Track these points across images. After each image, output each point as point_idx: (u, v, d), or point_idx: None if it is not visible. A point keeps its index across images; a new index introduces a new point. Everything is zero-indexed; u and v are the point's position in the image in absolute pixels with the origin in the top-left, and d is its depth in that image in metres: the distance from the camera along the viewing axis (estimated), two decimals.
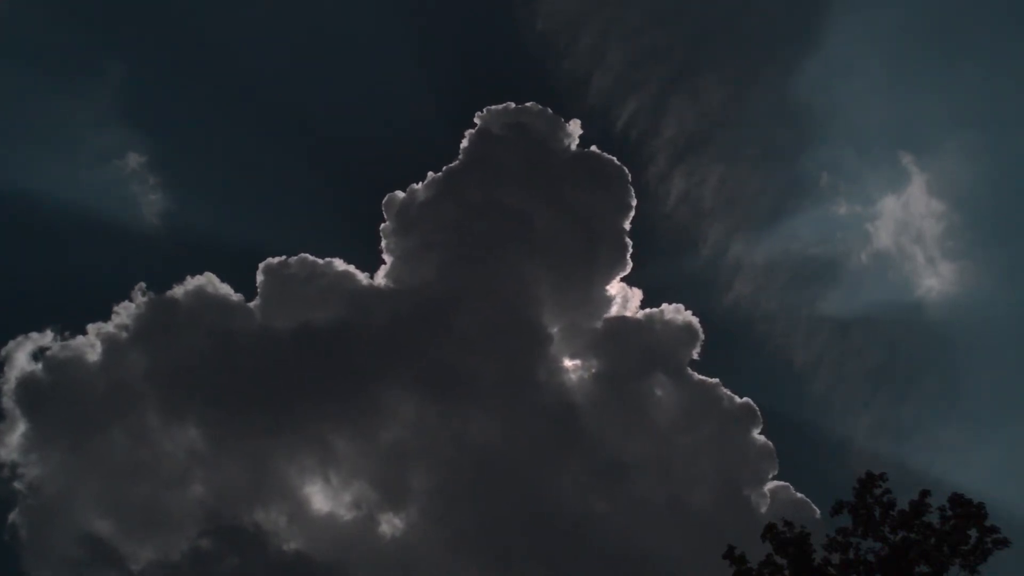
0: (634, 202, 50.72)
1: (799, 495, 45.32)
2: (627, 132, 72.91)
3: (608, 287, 50.49)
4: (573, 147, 52.70)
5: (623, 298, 51.06)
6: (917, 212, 73.41)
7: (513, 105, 53.38)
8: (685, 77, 78.54)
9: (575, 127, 52.80)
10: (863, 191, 76.93)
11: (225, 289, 49.30)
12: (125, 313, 48.29)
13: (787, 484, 45.83)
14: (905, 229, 73.24)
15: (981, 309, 72.03)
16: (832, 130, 76.90)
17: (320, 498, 46.14)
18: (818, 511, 43.52)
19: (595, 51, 75.15)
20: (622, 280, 51.18)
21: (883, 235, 73.51)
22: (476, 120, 52.93)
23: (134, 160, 73.30)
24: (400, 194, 51.86)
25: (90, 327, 47.91)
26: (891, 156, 76.86)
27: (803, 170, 75.76)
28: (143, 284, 48.93)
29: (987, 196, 74.07)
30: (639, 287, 51.90)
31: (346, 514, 45.78)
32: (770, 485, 45.79)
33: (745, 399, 47.67)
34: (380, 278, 50.57)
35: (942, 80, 77.78)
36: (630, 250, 50.23)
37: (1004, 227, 74.91)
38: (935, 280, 72.30)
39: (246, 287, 49.80)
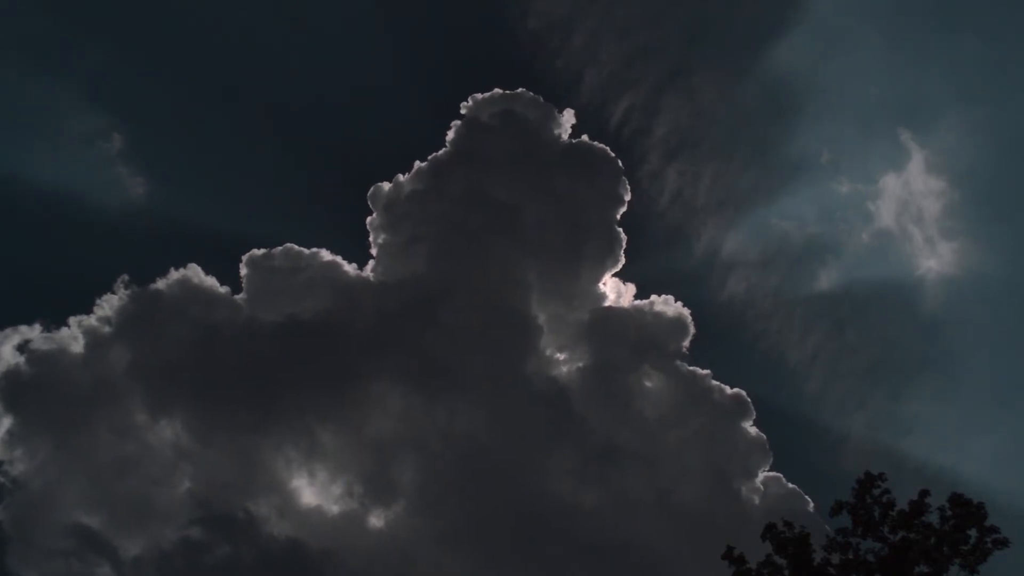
0: (627, 194, 50.38)
1: (791, 486, 45.45)
2: (620, 130, 72.41)
3: (601, 283, 50.34)
4: (565, 137, 52.15)
5: (616, 294, 50.93)
6: (917, 190, 73.08)
7: (500, 91, 52.92)
8: (678, 75, 78.20)
9: (568, 116, 52.35)
10: (862, 170, 76.78)
11: (210, 281, 48.83)
12: (108, 305, 47.71)
13: (779, 475, 45.95)
14: (905, 208, 72.94)
15: (981, 290, 71.99)
16: (828, 110, 76.95)
17: (308, 491, 45.88)
18: (811, 502, 43.85)
19: (587, 49, 74.72)
20: (615, 276, 51.05)
21: (884, 214, 73.27)
22: (462, 110, 52.39)
23: (115, 149, 72.36)
24: (386, 185, 51.39)
25: (72, 320, 47.36)
26: (890, 133, 76.35)
27: (800, 153, 75.41)
28: (126, 276, 48.35)
29: (988, 173, 73.46)
30: (633, 284, 51.86)
31: (334, 507, 45.59)
32: (762, 476, 45.85)
33: (736, 390, 47.64)
34: (368, 270, 50.26)
35: (941, 54, 77.30)
36: (623, 243, 49.99)
37: (1005, 205, 74.56)
38: (934, 261, 72.19)
39: (232, 278, 49.37)
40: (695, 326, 49.54)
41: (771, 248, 72.77)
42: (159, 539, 42.61)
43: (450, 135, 51.58)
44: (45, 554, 42.36)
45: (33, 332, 46.65)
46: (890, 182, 74.28)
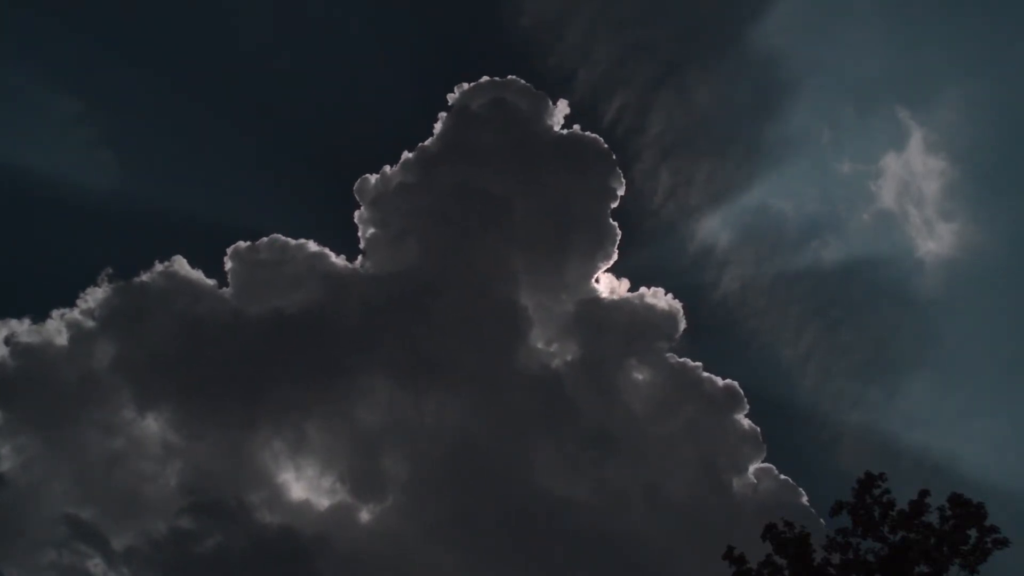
0: (621, 188, 49.91)
1: (783, 477, 45.55)
2: (614, 128, 71.79)
3: (594, 278, 50.12)
4: (557, 128, 51.54)
5: (610, 290, 50.71)
6: (917, 170, 72.72)
7: (489, 79, 52.19)
8: (672, 71, 77.79)
9: (562, 107, 51.72)
10: (861, 150, 76.59)
11: (196, 274, 48.38)
12: (92, 299, 47.12)
13: (771, 466, 46.05)
14: (906, 189, 72.66)
15: (980, 272, 71.98)
16: (826, 90, 76.50)
17: (296, 485, 45.73)
18: (804, 494, 43.96)
19: (581, 47, 74.15)
20: (609, 272, 50.77)
21: (884, 195, 73.01)
22: (450, 101, 51.72)
23: (100, 140, 71.33)
24: (373, 177, 50.84)
25: (55, 313, 46.76)
26: (889, 112, 75.94)
27: (798, 134, 75.18)
28: (110, 269, 47.75)
29: (988, 151, 72.99)
30: (627, 280, 51.64)
31: (323, 500, 45.48)
32: (755, 468, 45.93)
33: (728, 381, 47.64)
34: (355, 262, 49.93)
35: (939, 29, 76.70)
36: (617, 236, 49.49)
37: (1005, 183, 74.10)
38: (934, 243, 72.09)
39: (219, 271, 48.90)
40: (691, 321, 49.76)
41: (770, 234, 72.86)
42: (149, 532, 42.57)
43: (438, 125, 51.15)
44: (35, 548, 42.08)
45: (22, 326, 46.19)
46: (890, 162, 74.07)
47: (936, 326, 70.61)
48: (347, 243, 51.58)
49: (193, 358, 45.87)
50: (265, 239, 49.17)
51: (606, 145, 50.95)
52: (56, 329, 46.25)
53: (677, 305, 49.30)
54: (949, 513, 23.37)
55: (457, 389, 46.09)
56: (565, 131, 51.58)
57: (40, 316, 46.48)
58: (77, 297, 47.14)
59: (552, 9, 74.07)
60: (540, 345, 48.45)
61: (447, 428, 45.41)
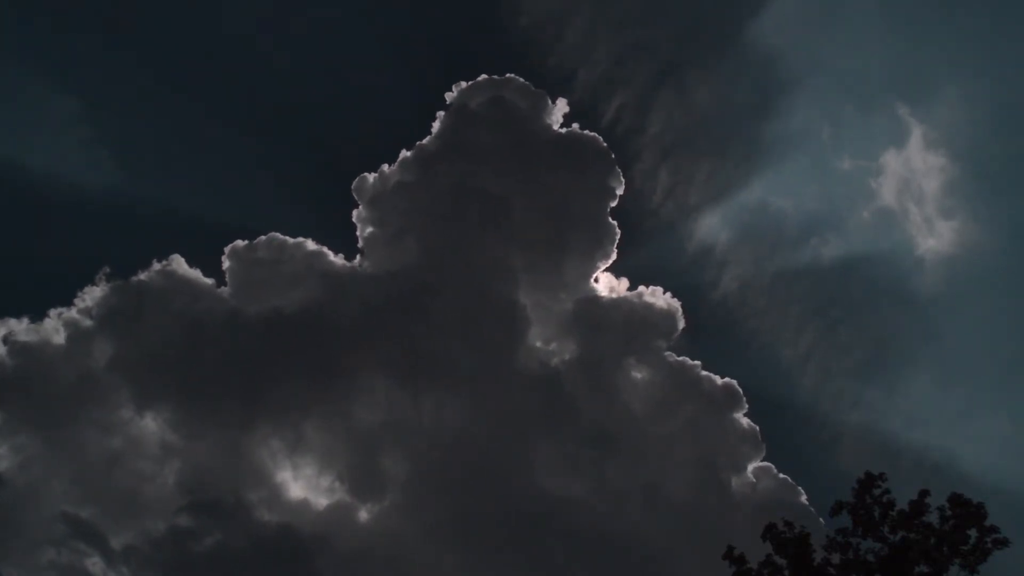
0: (620, 187, 49.81)
1: (782, 476, 45.57)
2: (613, 128, 71.56)
3: (594, 278, 50.10)
4: (556, 126, 51.44)
5: (609, 289, 50.69)
6: (917, 168, 72.66)
7: (487, 77, 52.15)
8: (671, 71, 77.71)
9: (560, 105, 51.61)
10: (862, 148, 76.49)
11: (194, 273, 48.32)
12: (89, 298, 47.10)
13: (770, 465, 46.05)
14: (906, 186, 72.56)
15: (981, 270, 71.91)
16: (825, 87, 76.42)
17: (295, 485, 45.70)
18: (803, 493, 43.98)
19: (581, 47, 74.04)
20: (608, 271, 50.75)
21: (885, 193, 72.93)
22: (447, 99, 51.63)
23: (98, 139, 71.19)
24: (371, 176, 50.78)
25: (52, 312, 46.70)
26: (889, 109, 75.86)
27: (798, 132, 75.15)
28: (107, 268, 47.72)
29: (987, 147, 72.74)
30: (627, 279, 51.57)
31: (322, 500, 45.45)
32: (754, 467, 45.94)
33: (727, 380, 47.61)
34: (355, 261, 49.90)
35: (938, 25, 76.61)
36: (616, 234, 49.46)
37: (1005, 180, 74.00)
38: (934, 240, 72.04)
39: (217, 270, 48.83)
40: (690, 320, 49.69)
41: (770, 232, 72.80)
42: (147, 531, 42.69)
43: (437, 124, 51.06)
44: (33, 547, 42.06)
45: (20, 325, 46.18)
46: (891, 159, 74.01)
47: (936, 324, 70.63)
48: (345, 242, 51.53)
49: (191, 357, 45.85)
50: (263, 238, 49.23)
51: (605, 144, 51.00)
52: (54, 328, 46.31)
53: (676, 304, 49.40)
54: (949, 513, 23.42)
55: (456, 388, 46.09)
56: (564, 130, 51.65)
57: (38, 315, 46.57)
58: (75, 296, 47.24)
59: (551, 8, 74.07)
60: (539, 344, 48.49)
61: (446, 427, 45.38)
